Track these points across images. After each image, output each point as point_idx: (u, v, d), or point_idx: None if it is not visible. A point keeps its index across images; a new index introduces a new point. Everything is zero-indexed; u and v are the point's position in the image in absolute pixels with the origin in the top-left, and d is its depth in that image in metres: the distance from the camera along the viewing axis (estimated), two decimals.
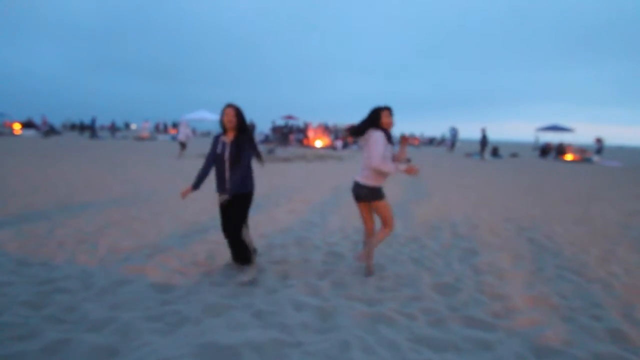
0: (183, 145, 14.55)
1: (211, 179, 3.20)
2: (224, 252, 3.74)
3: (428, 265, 3.61)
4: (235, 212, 3.04)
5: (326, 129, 25.31)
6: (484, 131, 18.90)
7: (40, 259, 3.38)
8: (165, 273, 3.18)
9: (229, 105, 3.05)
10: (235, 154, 2.99)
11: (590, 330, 2.49)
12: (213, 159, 3.09)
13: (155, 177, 8.93)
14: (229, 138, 3.06)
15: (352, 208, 6.01)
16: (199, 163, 12.53)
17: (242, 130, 3.05)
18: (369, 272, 3.27)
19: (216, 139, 3.13)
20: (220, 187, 3.07)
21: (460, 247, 4.30)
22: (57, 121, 33.26)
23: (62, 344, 1.99)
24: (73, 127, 36.02)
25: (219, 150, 3.05)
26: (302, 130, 25.57)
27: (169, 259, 3.49)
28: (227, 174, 3.02)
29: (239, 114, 3.04)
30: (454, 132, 26.25)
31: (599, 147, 21.35)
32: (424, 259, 3.77)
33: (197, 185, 3.09)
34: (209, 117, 30.39)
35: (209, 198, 6.47)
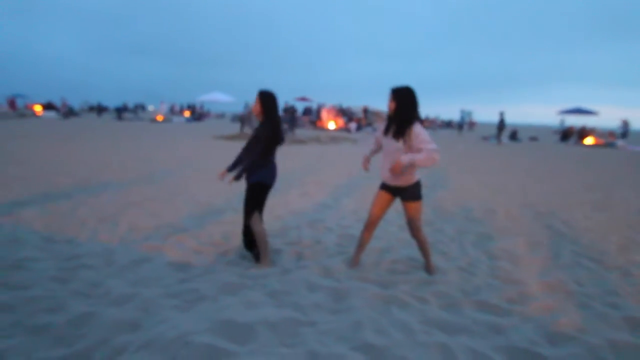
0: None
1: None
2: (239, 234, 3.82)
3: (442, 250, 3.60)
4: (245, 197, 3.06)
5: (340, 111, 25.05)
6: (502, 115, 18.43)
7: (65, 237, 3.53)
8: (183, 252, 3.27)
9: (258, 93, 3.02)
10: (251, 140, 3.00)
11: (606, 317, 2.46)
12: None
13: (171, 158, 9.08)
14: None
15: (366, 191, 6.00)
16: (220, 144, 12.66)
17: (267, 118, 2.94)
18: (433, 271, 3.06)
19: None
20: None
21: (475, 232, 4.27)
22: (75, 103, 33.91)
23: (88, 317, 2.09)
24: (91, 109, 36.68)
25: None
26: (316, 112, 25.38)
27: (186, 239, 3.59)
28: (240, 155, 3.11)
29: (261, 101, 2.96)
30: (463, 115, 25.95)
31: (625, 129, 20.51)
32: (437, 243, 3.76)
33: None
34: (223, 99, 30.43)
35: (221, 182, 6.56)
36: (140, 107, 35.32)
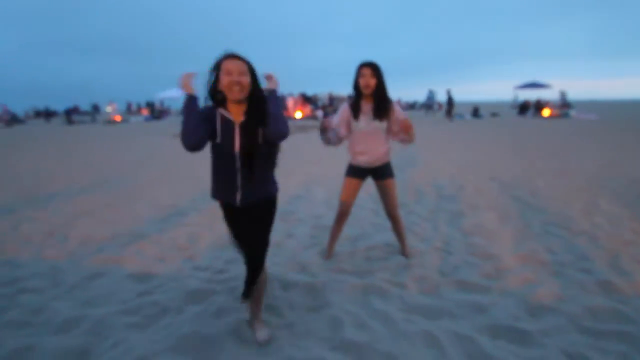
0: None
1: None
2: (206, 235, 3.56)
3: (416, 231, 3.54)
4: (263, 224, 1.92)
5: (306, 99, 24.70)
6: (449, 92, 19.15)
7: (4, 258, 3.12)
8: (143, 261, 2.99)
9: (234, 57, 1.72)
10: (250, 144, 1.78)
11: (581, 284, 2.48)
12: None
13: (128, 161, 8.50)
14: (235, 114, 1.77)
15: (337, 178, 5.87)
16: (175, 142, 12.04)
17: (258, 100, 1.77)
18: (409, 255, 2.95)
19: (209, 110, 1.78)
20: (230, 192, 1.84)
21: (447, 209, 4.25)
22: (19, 109, 31.20)
23: (24, 352, 1.81)
24: (38, 114, 33.97)
25: (218, 137, 1.75)
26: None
27: (146, 246, 3.29)
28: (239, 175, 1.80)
29: (252, 71, 1.77)
30: (430, 95, 26.29)
31: (564, 100, 22.00)
32: (411, 225, 3.70)
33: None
34: (181, 95, 29.05)
35: (186, 180, 6.20)
36: (95, 109, 33.00)
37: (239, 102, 1.74)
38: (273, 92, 1.78)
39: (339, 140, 2.69)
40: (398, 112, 2.63)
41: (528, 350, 1.84)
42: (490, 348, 1.84)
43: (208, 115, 1.75)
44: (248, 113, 1.76)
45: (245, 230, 1.86)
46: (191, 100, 1.69)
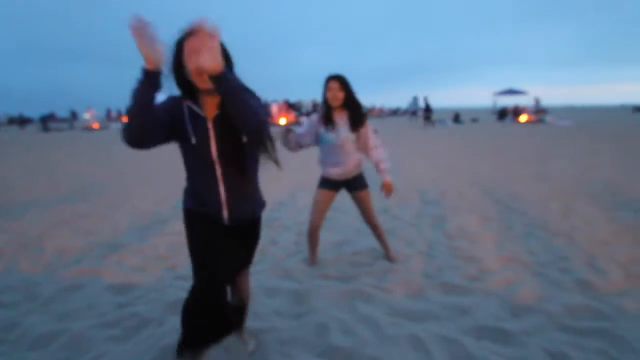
0: None
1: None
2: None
3: (400, 235, 3.57)
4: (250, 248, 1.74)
5: (290, 106, 24.77)
6: (426, 99, 19.66)
7: None
8: (123, 272, 2.90)
9: (195, 33, 1.31)
10: (231, 145, 1.45)
11: (560, 283, 2.55)
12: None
13: (108, 169, 8.29)
14: (206, 107, 1.43)
15: None
16: (163, 149, 11.80)
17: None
18: (394, 259, 2.96)
19: (175, 102, 1.44)
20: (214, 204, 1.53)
21: (431, 214, 4.31)
22: None
23: None
24: (11, 121, 32.78)
25: (192, 138, 1.41)
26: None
27: (126, 256, 3.20)
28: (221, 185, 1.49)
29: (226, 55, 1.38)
30: (414, 101, 26.82)
31: (538, 106, 22.96)
32: (395, 230, 3.73)
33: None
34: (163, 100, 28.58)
35: (167, 187, 6.09)
36: (72, 115, 32.08)
37: (211, 92, 1.34)
38: (221, 74, 1.21)
39: (297, 147, 2.72)
40: (367, 130, 2.66)
41: (511, 350, 1.87)
42: (475, 349, 1.86)
43: (171, 108, 1.38)
44: (223, 105, 1.35)
45: (233, 253, 1.56)
46: (148, 76, 1.22)
